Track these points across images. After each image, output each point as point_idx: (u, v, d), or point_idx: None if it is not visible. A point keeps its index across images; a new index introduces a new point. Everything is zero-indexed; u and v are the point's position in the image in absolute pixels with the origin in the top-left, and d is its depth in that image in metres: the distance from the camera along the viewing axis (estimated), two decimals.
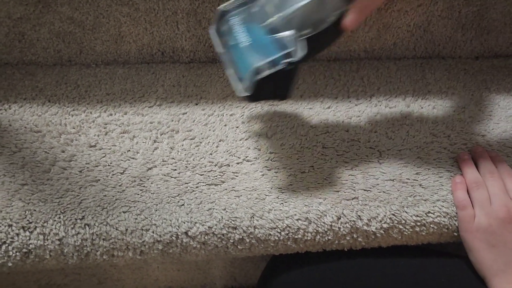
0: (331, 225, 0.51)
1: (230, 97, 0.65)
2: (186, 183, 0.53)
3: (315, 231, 0.51)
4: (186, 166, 0.55)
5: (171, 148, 0.57)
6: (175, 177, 0.54)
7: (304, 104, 0.65)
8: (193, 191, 0.53)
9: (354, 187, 0.54)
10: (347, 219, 0.52)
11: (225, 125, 0.61)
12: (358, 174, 0.56)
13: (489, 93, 0.69)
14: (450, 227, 0.53)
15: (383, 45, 0.73)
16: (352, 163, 0.57)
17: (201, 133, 0.59)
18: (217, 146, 0.57)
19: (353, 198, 0.53)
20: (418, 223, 0.53)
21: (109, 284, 0.66)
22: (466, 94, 0.68)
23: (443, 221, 0.53)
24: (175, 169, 0.54)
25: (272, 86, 0.46)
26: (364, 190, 0.54)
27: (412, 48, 0.74)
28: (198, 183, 0.53)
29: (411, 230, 0.53)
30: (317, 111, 0.64)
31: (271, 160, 0.57)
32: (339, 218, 0.52)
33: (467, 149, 0.60)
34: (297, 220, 0.51)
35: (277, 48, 0.44)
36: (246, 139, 0.59)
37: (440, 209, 0.53)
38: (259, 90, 0.45)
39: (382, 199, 0.53)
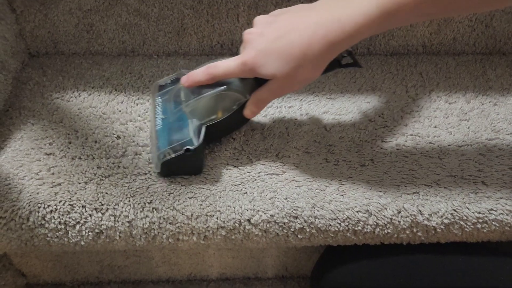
0: (391, 219, 0.52)
1: None
2: (248, 172, 0.55)
3: (375, 223, 0.52)
4: (248, 156, 0.56)
5: (233, 139, 0.58)
6: (237, 166, 0.55)
7: (361, 98, 0.65)
8: (255, 180, 0.54)
9: (414, 181, 0.54)
10: (408, 213, 0.52)
11: (284, 117, 0.62)
12: (418, 169, 0.56)
13: None
14: None
15: (442, 40, 0.72)
16: (412, 158, 0.57)
17: (261, 124, 0.60)
18: (278, 138, 0.59)
19: (413, 193, 0.53)
20: (480, 220, 0.52)
21: (166, 267, 0.68)
22: None
23: (506, 219, 0.52)
24: (237, 159, 0.56)
25: (179, 165, 0.52)
26: (425, 185, 0.54)
27: (472, 44, 0.72)
28: (259, 172, 0.55)
29: (472, 226, 0.52)
30: (375, 105, 0.64)
31: (330, 152, 0.57)
32: (399, 212, 0.52)
33: None
34: (358, 212, 0.52)
35: (182, 135, 0.52)
36: (305, 131, 0.60)
37: (503, 206, 0.53)
38: (167, 169, 0.52)
39: (444, 195, 0.53)
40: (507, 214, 0.52)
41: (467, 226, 0.52)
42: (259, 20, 0.49)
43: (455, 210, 0.52)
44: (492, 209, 0.52)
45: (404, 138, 0.59)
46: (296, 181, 0.54)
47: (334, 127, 0.60)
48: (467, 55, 0.73)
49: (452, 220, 0.52)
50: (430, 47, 0.72)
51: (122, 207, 0.51)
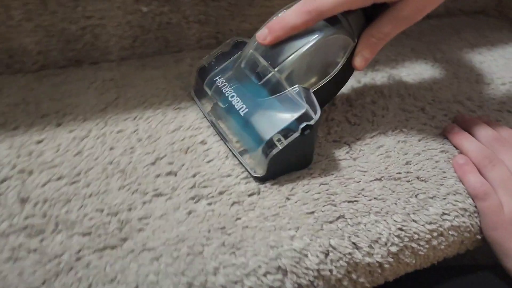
0: (318, 269, 0.31)
1: (112, 107, 0.42)
2: (57, 257, 0.29)
3: (296, 286, 0.31)
4: (54, 226, 0.31)
5: (22, 201, 0.32)
6: (35, 250, 0.30)
7: None
8: (72, 268, 0.29)
9: (333, 200, 0.35)
10: (340, 252, 0.32)
11: (111, 149, 0.38)
12: (331, 180, 0.37)
13: (443, 54, 0.56)
14: (473, 229, 0.37)
15: None
16: (318, 168, 0.38)
17: (74, 168, 0.36)
18: (105, 183, 0.35)
19: (338, 218, 0.34)
20: (435, 233, 0.35)
21: None
22: (419, 59, 0.54)
23: (463, 223, 0.36)
24: (35, 235, 0.30)
25: (290, 156, 0.36)
26: (348, 201, 0.35)
27: None
28: (79, 251, 0.30)
29: (427, 246, 0.35)
30: None
31: (197, 186, 0.35)
32: (327, 254, 0.32)
33: (451, 120, 0.45)
34: (265, 275, 0.30)
35: (287, 111, 0.35)
36: (152, 163, 0.37)
37: (454, 205, 0.36)
38: (277, 164, 0.36)
39: (378, 210, 0.35)
40: (463, 215, 0.36)
41: (421, 248, 0.35)
42: None
43: (400, 229, 0.34)
44: (444, 213, 0.36)
45: None
46: (149, 250, 0.30)
47: (194, 145, 0.39)
48: None
49: (401, 244, 0.34)
50: None
51: None
